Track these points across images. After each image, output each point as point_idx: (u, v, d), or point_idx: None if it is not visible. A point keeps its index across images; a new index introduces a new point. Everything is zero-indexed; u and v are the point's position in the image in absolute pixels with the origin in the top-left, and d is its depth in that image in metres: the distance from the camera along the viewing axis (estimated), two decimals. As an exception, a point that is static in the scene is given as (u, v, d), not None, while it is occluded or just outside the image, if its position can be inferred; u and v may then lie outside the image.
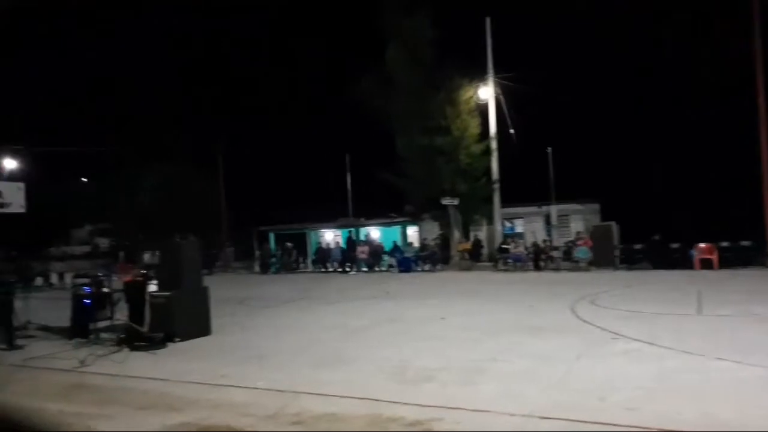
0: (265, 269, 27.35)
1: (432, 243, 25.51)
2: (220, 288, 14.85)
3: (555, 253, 22.66)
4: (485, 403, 5.54)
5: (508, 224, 27.96)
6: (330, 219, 31.89)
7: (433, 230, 27.36)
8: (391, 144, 26.24)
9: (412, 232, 28.56)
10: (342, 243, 27.89)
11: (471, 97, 25.27)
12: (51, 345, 9.81)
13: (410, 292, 16.46)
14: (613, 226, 22.79)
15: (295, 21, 40.66)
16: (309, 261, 28.47)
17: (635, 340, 8.28)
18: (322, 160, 38.38)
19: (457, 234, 25.64)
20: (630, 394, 5.69)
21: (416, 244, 26.47)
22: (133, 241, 37.60)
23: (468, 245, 25.04)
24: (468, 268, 23.47)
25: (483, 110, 25.42)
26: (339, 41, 33.96)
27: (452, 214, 25.45)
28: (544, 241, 23.70)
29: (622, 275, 18.90)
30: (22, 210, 14.78)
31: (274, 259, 27.65)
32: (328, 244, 28.74)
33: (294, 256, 27.64)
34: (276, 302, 14.97)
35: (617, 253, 21.79)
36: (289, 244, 27.81)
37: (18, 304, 11.17)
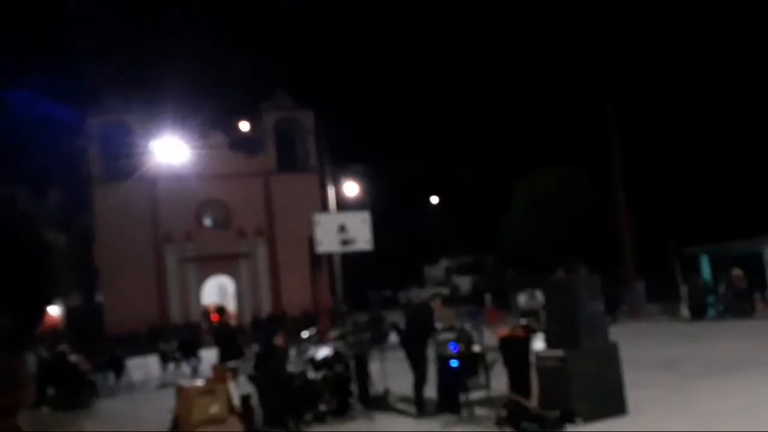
0: (699, 313, 26.30)
1: None
2: (632, 344, 14.85)
3: None
4: None
5: None
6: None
7: None
8: None
9: None
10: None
11: None
12: (414, 422, 10.94)
13: None
14: None
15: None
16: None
17: None
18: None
19: None
20: None
21: None
22: (501, 280, 40.39)
23: None
24: None
25: None
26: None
27: None
28: None
29: None
30: (368, 247, 16.98)
31: (712, 298, 26.39)
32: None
33: (745, 290, 25.74)
34: (724, 366, 14.06)
35: None
36: (737, 272, 26.04)
37: (374, 366, 12.74)
